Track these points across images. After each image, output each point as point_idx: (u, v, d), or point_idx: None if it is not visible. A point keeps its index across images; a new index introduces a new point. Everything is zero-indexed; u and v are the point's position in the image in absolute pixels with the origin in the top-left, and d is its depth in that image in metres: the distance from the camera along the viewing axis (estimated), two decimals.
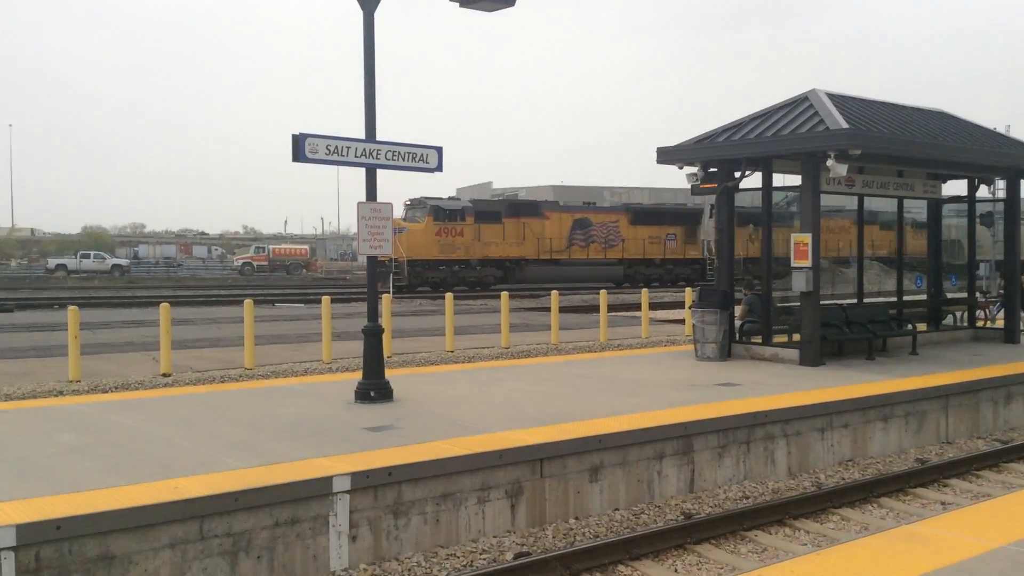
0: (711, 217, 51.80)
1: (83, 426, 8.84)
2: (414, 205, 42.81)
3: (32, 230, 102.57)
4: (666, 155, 14.11)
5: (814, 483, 9.88)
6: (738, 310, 14.82)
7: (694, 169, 14.09)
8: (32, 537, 5.53)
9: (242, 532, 6.43)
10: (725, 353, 14.22)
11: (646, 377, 12.54)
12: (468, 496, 7.63)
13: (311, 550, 6.77)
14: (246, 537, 6.45)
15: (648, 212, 48.85)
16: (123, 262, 72.29)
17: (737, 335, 14.67)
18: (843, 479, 10.05)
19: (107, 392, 12.71)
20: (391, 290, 39.26)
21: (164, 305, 15.03)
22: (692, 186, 14.17)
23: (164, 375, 14.13)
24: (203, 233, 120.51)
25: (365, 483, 7.02)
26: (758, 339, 14.56)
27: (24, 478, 6.70)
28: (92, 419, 9.27)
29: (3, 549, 5.40)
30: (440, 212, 41.89)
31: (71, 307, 14.32)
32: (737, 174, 13.97)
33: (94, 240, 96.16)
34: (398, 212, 42.75)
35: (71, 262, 68.13)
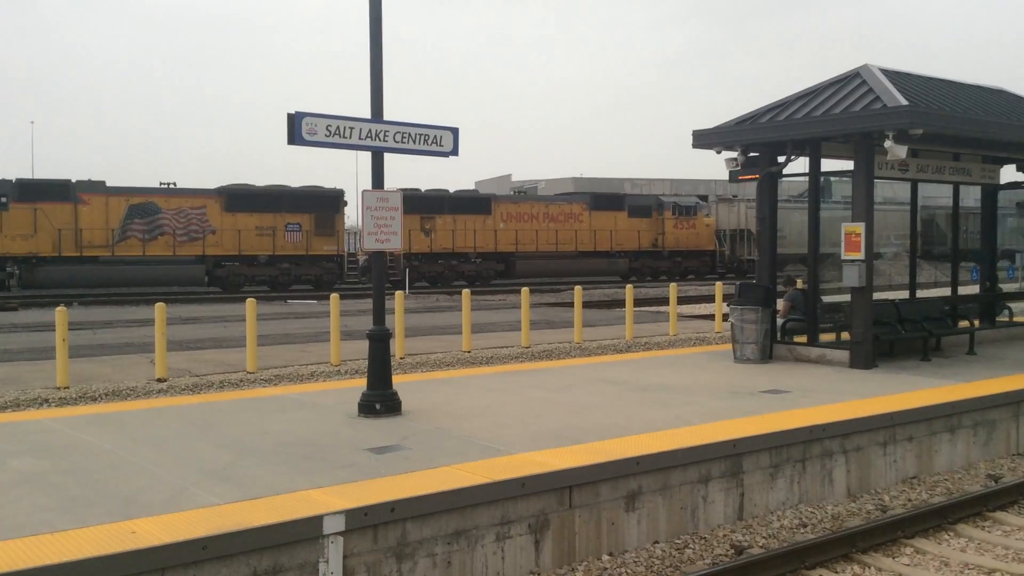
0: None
1: (44, 448, 7.78)
2: None
3: None
4: (703, 138, 12.89)
5: (878, 505, 8.71)
6: (780, 307, 13.60)
7: (734, 154, 12.84)
8: None
9: None
10: (767, 354, 13.01)
11: (682, 382, 11.38)
12: (485, 533, 6.51)
13: None
14: None
15: (253, 196, 37.27)
16: None
17: (779, 334, 13.46)
18: (910, 501, 8.88)
19: (96, 401, 11.73)
20: None
21: (159, 305, 14.00)
22: (731, 172, 12.94)
23: (159, 380, 13.12)
24: None
25: (363, 522, 5.91)
26: (802, 338, 13.34)
27: None
28: (57, 438, 8.20)
29: None
30: None
31: (59, 308, 13.31)
32: (781, 158, 12.73)
33: None
34: None
35: None
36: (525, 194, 46.25)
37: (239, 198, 36.50)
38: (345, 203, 39.46)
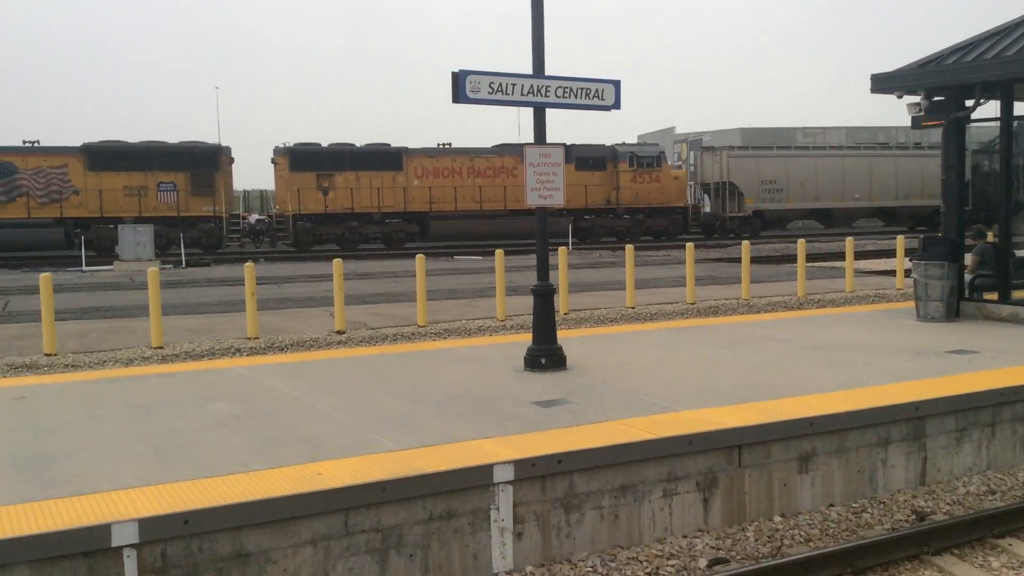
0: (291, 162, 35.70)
1: (240, 393, 8.38)
2: None
3: None
4: (883, 82, 12.14)
5: None
6: (968, 261, 12.75)
7: (916, 99, 12.06)
8: (156, 533, 4.92)
9: (392, 527, 5.63)
10: (953, 312, 12.25)
11: (859, 341, 10.90)
12: (652, 488, 6.52)
13: (470, 548, 5.89)
14: (396, 533, 5.65)
15: (120, 153, 34.28)
16: None
17: (967, 291, 12.64)
18: None
19: (282, 351, 12.52)
20: None
21: (336, 261, 14.73)
22: (913, 118, 12.14)
23: (338, 332, 13.84)
24: None
25: (531, 472, 6.05)
26: (992, 296, 12.47)
27: (160, 459, 6.18)
28: (249, 385, 8.81)
29: (126, 547, 4.82)
30: None
31: (247, 264, 14.22)
32: (969, 103, 11.84)
33: None
34: None
35: None
36: (448, 147, 39.16)
37: (104, 156, 34.05)
38: (231, 160, 36.03)
